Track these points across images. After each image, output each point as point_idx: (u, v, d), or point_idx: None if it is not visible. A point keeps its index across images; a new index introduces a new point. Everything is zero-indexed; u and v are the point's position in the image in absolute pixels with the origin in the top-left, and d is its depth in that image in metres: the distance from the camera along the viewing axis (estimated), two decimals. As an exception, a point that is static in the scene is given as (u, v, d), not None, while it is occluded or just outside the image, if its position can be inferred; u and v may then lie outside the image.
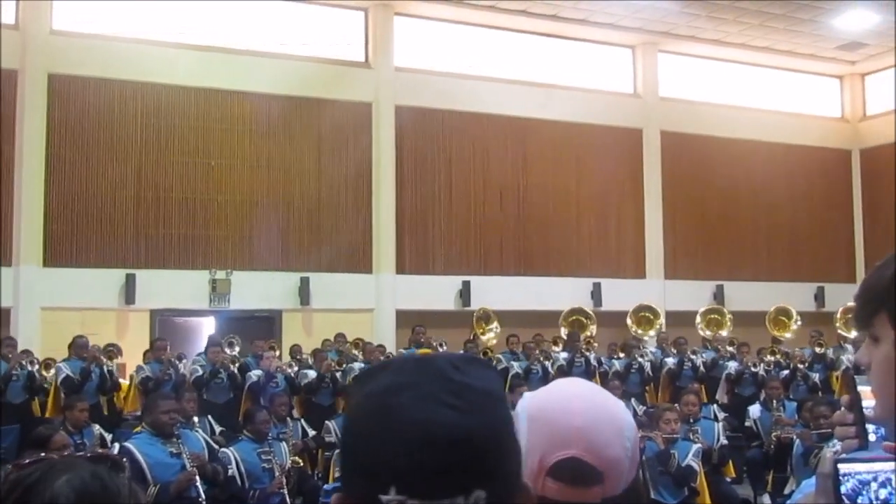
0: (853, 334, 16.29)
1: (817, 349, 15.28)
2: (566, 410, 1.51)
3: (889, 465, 1.42)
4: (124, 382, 13.33)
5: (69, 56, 16.07)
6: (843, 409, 1.66)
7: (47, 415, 12.03)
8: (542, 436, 1.48)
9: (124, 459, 7.21)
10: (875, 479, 1.40)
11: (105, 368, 12.49)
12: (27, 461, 1.44)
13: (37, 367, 12.42)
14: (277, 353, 14.40)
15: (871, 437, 1.58)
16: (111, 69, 16.26)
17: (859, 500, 1.38)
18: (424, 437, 1.10)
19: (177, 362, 12.75)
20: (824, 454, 1.46)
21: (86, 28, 16.42)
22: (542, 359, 14.40)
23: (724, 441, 10.10)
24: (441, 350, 13.88)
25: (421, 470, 1.09)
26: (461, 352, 14.50)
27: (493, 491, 1.12)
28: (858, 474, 1.40)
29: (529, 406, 1.54)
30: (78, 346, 12.92)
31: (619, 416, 1.54)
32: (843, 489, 1.40)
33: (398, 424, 1.12)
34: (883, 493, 1.40)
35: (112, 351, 12.90)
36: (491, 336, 16.61)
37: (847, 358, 14.93)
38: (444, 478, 1.09)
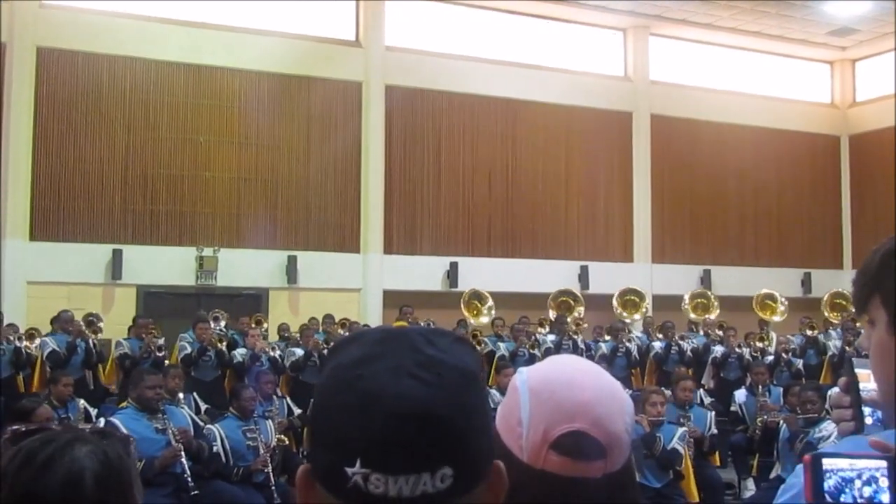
0: (840, 320, 16.36)
1: (808, 332, 15.29)
2: (572, 384, 1.50)
3: (874, 463, 1.39)
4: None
5: (58, 30, 15.95)
6: (838, 390, 1.65)
7: (33, 389, 11.95)
8: (546, 409, 1.47)
9: (132, 438, 7.26)
10: (859, 477, 1.38)
11: (91, 342, 12.39)
12: (24, 430, 1.42)
13: (24, 343, 12.29)
14: (266, 326, 14.29)
15: (868, 420, 1.57)
16: (100, 43, 16.16)
17: (842, 499, 1.36)
18: (391, 411, 1.08)
19: (156, 351, 12.41)
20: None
21: (75, 2, 16.31)
22: (528, 342, 14.31)
23: (714, 430, 10.13)
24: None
25: (386, 443, 1.07)
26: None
27: (460, 469, 1.09)
28: (841, 471, 1.38)
29: (531, 379, 1.53)
30: (63, 321, 12.85)
31: (621, 393, 1.55)
32: (825, 486, 1.38)
33: (365, 396, 1.10)
34: (867, 491, 1.37)
35: (92, 321, 12.72)
36: (484, 320, 16.45)
37: (834, 344, 14.94)
38: (410, 452, 1.07)
